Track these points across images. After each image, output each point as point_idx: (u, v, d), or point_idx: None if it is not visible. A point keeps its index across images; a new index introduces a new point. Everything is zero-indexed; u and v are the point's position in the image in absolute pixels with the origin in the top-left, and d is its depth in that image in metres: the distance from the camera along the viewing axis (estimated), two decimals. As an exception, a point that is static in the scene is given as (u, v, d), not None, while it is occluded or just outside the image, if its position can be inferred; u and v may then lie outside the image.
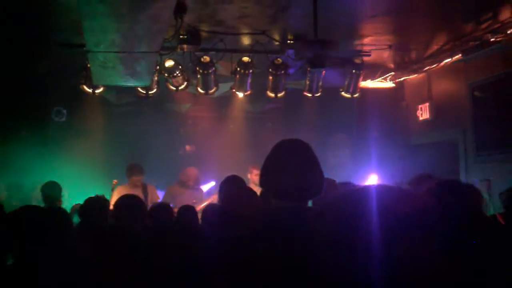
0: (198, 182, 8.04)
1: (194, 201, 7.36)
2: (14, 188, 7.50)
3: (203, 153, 9.45)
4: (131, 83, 6.59)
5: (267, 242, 2.32)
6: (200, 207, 6.75)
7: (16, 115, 7.90)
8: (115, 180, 7.62)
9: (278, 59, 7.29)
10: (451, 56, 7.04)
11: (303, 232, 2.29)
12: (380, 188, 2.13)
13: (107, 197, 7.02)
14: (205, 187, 8.49)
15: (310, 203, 2.53)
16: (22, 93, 7.95)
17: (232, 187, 4.16)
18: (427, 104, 8.04)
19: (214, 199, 7.52)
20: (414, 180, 4.28)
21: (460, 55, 6.85)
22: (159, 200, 7.42)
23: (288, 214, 2.37)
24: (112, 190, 7.46)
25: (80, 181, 7.33)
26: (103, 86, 7.41)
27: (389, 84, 8.44)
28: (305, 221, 2.33)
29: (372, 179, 8.46)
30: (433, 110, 7.92)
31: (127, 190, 7.22)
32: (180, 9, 5.47)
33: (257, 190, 3.67)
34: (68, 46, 6.66)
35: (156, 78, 7.40)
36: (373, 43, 7.17)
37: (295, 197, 2.41)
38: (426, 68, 7.77)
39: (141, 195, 7.18)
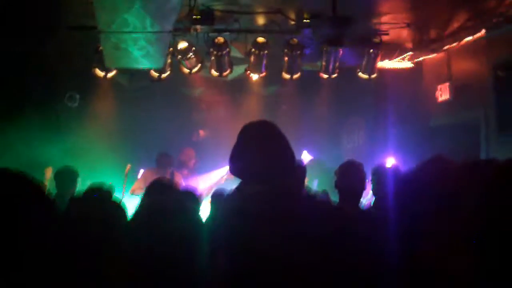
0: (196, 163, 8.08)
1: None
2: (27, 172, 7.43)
3: (217, 138, 9.33)
4: (144, 65, 6.48)
5: (241, 227, 2.16)
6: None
7: (27, 100, 7.81)
8: (129, 165, 7.58)
9: (294, 39, 7.11)
10: (473, 34, 6.81)
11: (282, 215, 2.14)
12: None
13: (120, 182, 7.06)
14: (220, 171, 8.40)
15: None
16: (34, 78, 7.85)
17: None
18: (447, 84, 7.80)
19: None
20: (425, 164, 3.98)
21: (481, 33, 6.64)
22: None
23: (261, 197, 2.22)
24: (126, 175, 7.42)
25: (93, 166, 7.24)
26: (116, 69, 7.29)
27: (407, 64, 8.20)
28: (281, 203, 2.19)
29: (390, 163, 8.30)
30: (453, 90, 7.68)
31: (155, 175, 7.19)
32: (193, -13, 5.33)
33: None
34: (80, 29, 6.55)
35: (169, 61, 7.28)
36: (391, 21, 6.97)
37: (266, 179, 2.27)
38: (446, 47, 7.53)
39: None
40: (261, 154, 2.32)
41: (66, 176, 5.89)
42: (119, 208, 2.26)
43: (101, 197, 2.38)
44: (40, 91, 7.86)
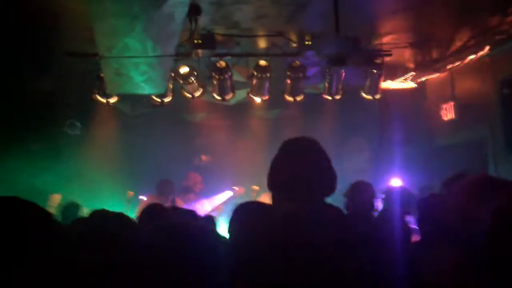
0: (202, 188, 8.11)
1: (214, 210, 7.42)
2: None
3: (220, 163, 9.24)
4: (146, 90, 6.39)
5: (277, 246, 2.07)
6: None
7: (27, 127, 7.73)
8: (131, 192, 7.48)
9: (296, 61, 7.07)
10: (476, 52, 6.73)
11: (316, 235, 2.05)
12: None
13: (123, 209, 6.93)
14: (222, 197, 8.31)
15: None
16: (34, 105, 7.78)
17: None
18: (451, 103, 7.73)
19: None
20: (448, 180, 4.00)
21: (484, 51, 6.57)
22: None
23: (297, 219, 2.11)
24: (128, 201, 7.32)
25: (95, 193, 7.14)
26: (118, 95, 7.23)
27: (411, 85, 8.14)
28: (319, 225, 2.09)
29: (395, 184, 8.18)
30: (458, 109, 7.60)
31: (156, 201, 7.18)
32: (194, 11, 5.29)
33: None
34: (81, 55, 6.50)
35: (171, 86, 7.22)
36: (394, 41, 6.93)
37: (305, 196, 2.17)
38: (449, 67, 7.46)
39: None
40: (301, 169, 2.22)
41: (71, 209, 5.90)
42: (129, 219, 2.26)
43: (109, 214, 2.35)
44: (40, 118, 7.78)
